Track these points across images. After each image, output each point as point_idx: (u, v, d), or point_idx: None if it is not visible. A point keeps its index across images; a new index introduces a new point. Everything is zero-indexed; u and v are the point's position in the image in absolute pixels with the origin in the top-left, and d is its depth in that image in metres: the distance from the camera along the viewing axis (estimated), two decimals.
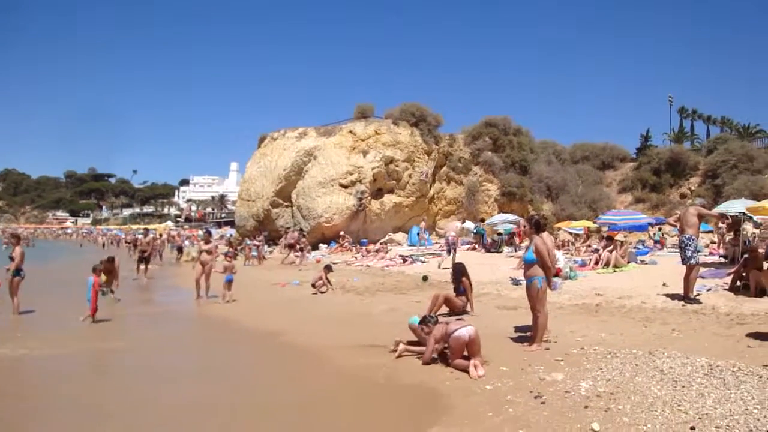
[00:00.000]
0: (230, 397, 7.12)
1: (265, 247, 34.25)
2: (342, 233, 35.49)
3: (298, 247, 30.69)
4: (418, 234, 32.58)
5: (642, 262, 20.46)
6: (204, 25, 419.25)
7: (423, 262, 24.72)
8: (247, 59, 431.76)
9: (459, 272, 12.04)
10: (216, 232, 57.33)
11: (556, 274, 16.12)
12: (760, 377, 6.47)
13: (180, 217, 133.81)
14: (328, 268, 17.43)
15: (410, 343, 8.63)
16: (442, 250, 25.60)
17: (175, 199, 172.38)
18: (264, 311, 14.04)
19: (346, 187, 36.96)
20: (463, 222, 34.26)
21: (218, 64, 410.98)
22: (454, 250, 22.81)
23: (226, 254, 17.38)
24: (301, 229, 35.46)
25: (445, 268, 21.77)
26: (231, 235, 47.52)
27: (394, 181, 38.54)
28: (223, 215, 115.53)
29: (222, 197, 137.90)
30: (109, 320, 12.61)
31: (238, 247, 34.77)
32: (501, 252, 28.50)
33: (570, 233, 33.62)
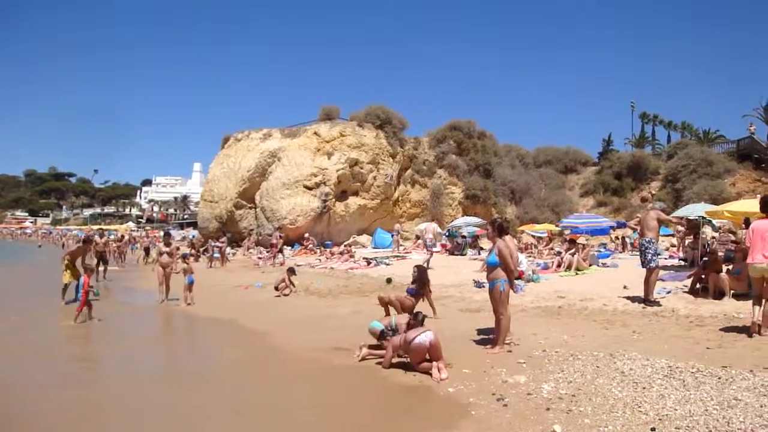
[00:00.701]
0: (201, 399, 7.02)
1: (228, 249, 33.92)
2: (306, 235, 35.34)
3: (278, 247, 30.53)
4: (393, 236, 32.69)
5: (603, 265, 20.67)
6: (168, 26, 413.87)
7: (387, 264, 24.70)
8: (210, 59, 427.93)
9: (422, 276, 11.97)
10: (178, 234, 56.86)
11: (519, 277, 16.18)
12: (719, 378, 6.57)
13: (142, 218, 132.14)
14: (291, 271, 17.35)
15: (373, 346, 8.61)
16: (425, 250, 25.68)
17: (137, 199, 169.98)
18: (226, 314, 13.91)
19: (310, 188, 36.85)
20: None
21: (181, 63, 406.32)
22: (431, 252, 22.96)
23: (184, 256, 17.14)
24: (279, 227, 35.17)
25: (430, 268, 21.95)
26: (193, 237, 47.07)
27: (359, 183, 38.51)
28: (185, 216, 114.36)
29: (185, 198, 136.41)
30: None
31: (201, 249, 34.45)
32: (465, 255, 28.58)
33: (533, 236, 33.88)
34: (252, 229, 39.04)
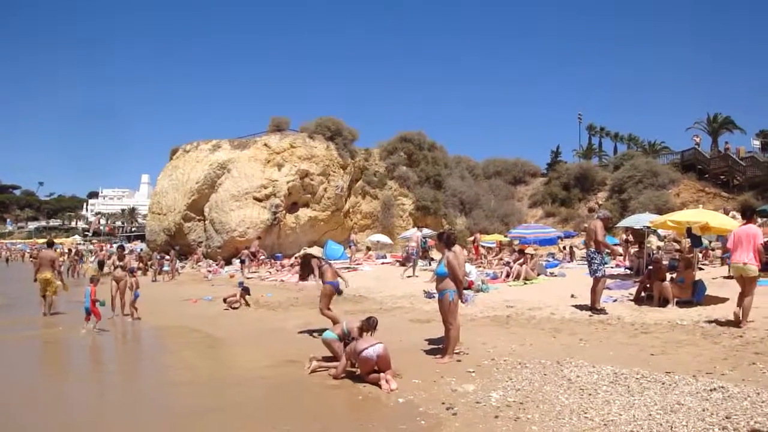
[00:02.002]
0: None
1: (177, 262, 33.42)
2: (255, 242, 34.98)
3: (258, 257, 30.29)
4: (351, 246, 32.59)
5: (551, 274, 20.91)
6: (116, 37, 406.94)
7: None
8: (158, 69, 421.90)
9: (306, 261, 12.14)
10: (126, 247, 55.71)
11: (469, 287, 16.35)
12: (663, 383, 6.71)
13: (88, 230, 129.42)
14: (246, 291, 17.05)
15: (325, 358, 8.59)
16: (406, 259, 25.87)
17: (84, 212, 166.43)
18: (175, 327, 13.74)
19: (260, 200, 36.54)
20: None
21: (128, 74, 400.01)
22: (414, 261, 23.11)
23: (131, 270, 16.85)
24: (258, 237, 34.75)
25: (409, 276, 22.04)
26: (141, 250, 46.19)
27: (309, 195, 38.33)
28: (133, 229, 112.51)
29: (132, 210, 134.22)
30: None
31: (149, 262, 33.87)
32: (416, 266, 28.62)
33: (483, 247, 34.14)
34: (201, 242, 38.52)
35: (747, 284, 10.45)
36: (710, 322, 10.79)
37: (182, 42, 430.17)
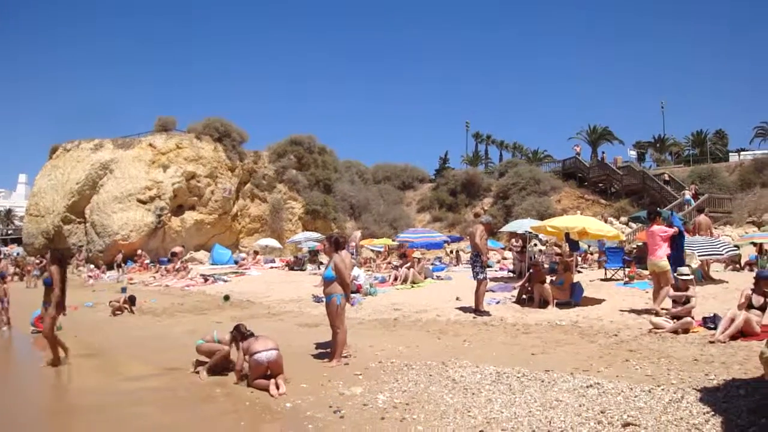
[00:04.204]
0: None
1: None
2: (140, 251, 33.92)
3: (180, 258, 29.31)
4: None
5: (438, 277, 21.29)
6: None
7: (225, 281, 24.19)
8: (38, 64, 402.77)
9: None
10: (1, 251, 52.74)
11: (357, 291, 16.44)
12: (542, 381, 6.97)
13: None
14: (131, 300, 16.46)
15: (200, 363, 8.44)
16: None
17: None
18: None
19: (144, 202, 35.35)
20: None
21: (4, 67, 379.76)
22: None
23: (1, 276, 15.88)
24: (182, 246, 33.58)
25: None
26: (18, 254, 43.70)
27: (196, 198, 37.45)
28: (9, 232, 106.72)
29: (8, 212, 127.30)
30: None
31: (26, 268, 32.11)
32: (304, 270, 28.53)
33: (372, 250, 34.40)
34: (82, 246, 36.90)
35: (661, 278, 11.55)
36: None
37: (65, 36, 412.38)
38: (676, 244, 12.39)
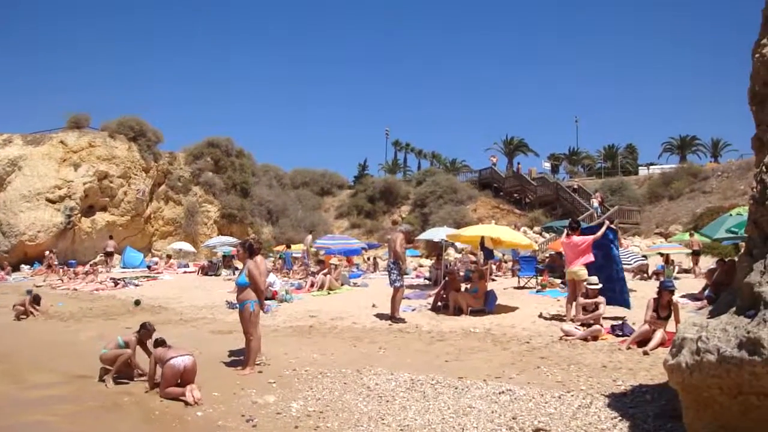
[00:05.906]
0: None
1: None
2: (47, 253, 32.61)
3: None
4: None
5: (355, 284, 21.26)
6: None
7: (137, 285, 23.53)
8: None
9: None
10: None
11: (272, 297, 16.26)
12: (456, 388, 7.02)
13: None
14: (35, 300, 15.78)
15: (106, 371, 8.17)
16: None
17: None
18: None
19: (54, 202, 33.96)
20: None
21: None
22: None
23: None
24: (111, 236, 32.18)
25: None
26: None
27: (108, 198, 36.24)
28: None
29: None
30: None
31: None
32: (219, 275, 28.05)
33: (292, 257, 34.11)
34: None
35: (577, 286, 11.84)
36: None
37: None
38: (612, 255, 12.83)
